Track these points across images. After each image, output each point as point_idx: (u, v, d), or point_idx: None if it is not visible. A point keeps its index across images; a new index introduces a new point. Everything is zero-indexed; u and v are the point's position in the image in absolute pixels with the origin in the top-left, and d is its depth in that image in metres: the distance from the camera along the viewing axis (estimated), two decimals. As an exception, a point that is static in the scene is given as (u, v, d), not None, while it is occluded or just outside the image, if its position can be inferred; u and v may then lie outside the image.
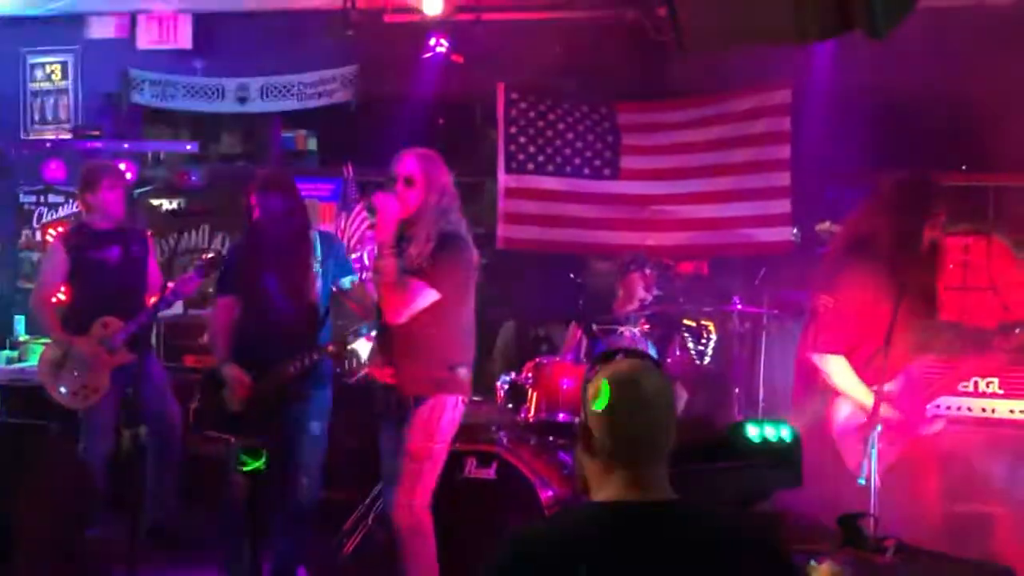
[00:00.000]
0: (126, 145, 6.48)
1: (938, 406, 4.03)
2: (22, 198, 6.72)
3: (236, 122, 6.91)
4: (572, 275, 5.79)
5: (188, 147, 6.66)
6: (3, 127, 6.77)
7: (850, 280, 3.93)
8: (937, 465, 3.93)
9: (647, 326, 5.07)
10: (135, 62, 6.50)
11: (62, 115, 6.74)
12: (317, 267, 4.47)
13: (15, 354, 6.03)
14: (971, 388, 4.20)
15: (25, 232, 6.72)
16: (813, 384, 4.05)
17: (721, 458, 3.95)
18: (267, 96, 6.41)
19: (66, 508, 4.75)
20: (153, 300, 4.97)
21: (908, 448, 3.90)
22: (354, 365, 5.72)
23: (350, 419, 5.05)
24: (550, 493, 4.46)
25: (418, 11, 5.80)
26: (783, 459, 3.81)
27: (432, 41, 5.93)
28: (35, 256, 6.47)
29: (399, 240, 3.83)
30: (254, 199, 4.48)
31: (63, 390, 4.89)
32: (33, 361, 5.36)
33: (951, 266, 4.34)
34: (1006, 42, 4.77)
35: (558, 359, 5.01)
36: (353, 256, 6.04)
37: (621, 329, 5.03)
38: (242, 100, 6.43)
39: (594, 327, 5.14)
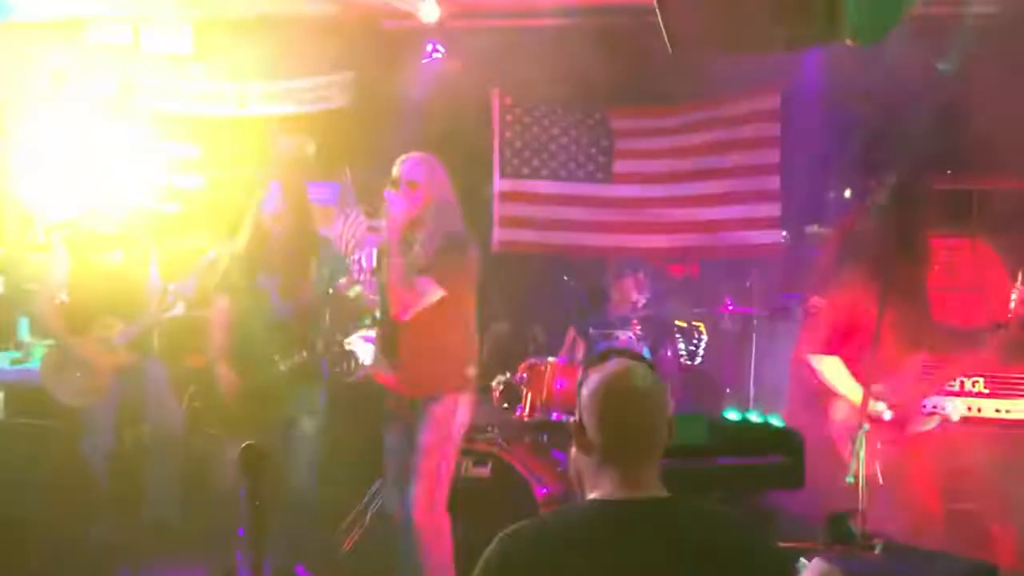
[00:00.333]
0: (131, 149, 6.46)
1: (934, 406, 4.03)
2: (28, 199, 6.70)
3: (236, 126, 6.89)
4: (566, 278, 5.79)
5: (190, 150, 6.65)
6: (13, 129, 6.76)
7: (841, 282, 3.95)
8: (927, 463, 3.93)
9: (640, 328, 5.07)
10: (138, 67, 6.49)
11: (67, 119, 6.71)
12: (313, 268, 4.48)
13: (19, 355, 6.01)
14: (957, 387, 4.21)
15: (29, 234, 6.70)
16: (809, 384, 4.05)
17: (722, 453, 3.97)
18: (266, 101, 6.41)
19: (70, 506, 4.74)
20: (154, 301, 4.97)
21: (905, 446, 3.91)
22: (353, 365, 5.71)
23: (348, 418, 5.04)
24: (544, 490, 4.46)
25: (415, 18, 5.80)
26: (785, 458, 3.83)
27: (428, 48, 5.94)
28: (39, 258, 6.44)
29: (403, 241, 3.84)
30: (255, 200, 4.50)
31: (65, 390, 4.88)
32: (36, 362, 5.34)
33: (936, 267, 4.34)
34: (990, 49, 4.77)
35: (552, 360, 5.01)
36: (352, 258, 6.04)
37: (615, 332, 5.03)
38: (241, 105, 6.42)
39: (590, 330, 5.14)
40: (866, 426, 3.61)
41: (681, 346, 5.28)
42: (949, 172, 5.63)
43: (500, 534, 1.98)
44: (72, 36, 6.53)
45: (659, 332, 5.20)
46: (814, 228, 5.75)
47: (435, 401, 3.88)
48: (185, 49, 6.43)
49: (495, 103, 5.95)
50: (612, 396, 2.03)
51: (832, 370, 3.94)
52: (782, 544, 2.90)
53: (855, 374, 3.90)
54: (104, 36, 6.52)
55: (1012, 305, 3.93)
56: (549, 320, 5.61)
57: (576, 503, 2.09)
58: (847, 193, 5.88)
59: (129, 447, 5.07)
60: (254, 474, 2.40)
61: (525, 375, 4.88)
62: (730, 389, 5.27)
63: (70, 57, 6.60)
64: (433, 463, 3.88)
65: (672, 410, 2.11)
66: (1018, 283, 3.93)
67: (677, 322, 5.29)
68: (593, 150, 6.01)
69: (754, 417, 4.34)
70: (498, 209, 6.02)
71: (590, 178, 5.99)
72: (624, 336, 4.95)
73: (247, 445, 2.44)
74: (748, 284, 5.48)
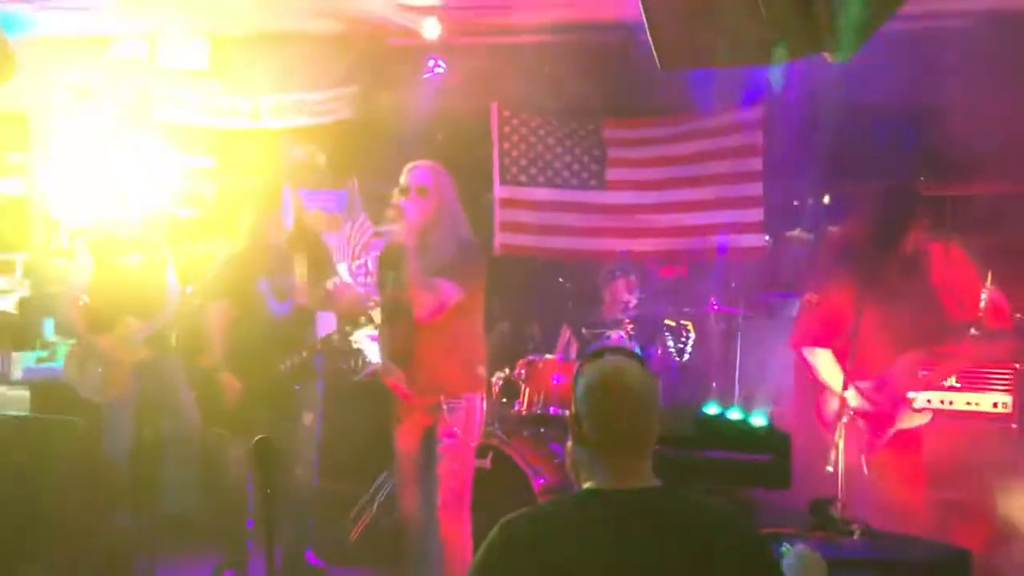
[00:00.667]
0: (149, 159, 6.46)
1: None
2: (53, 206, 6.70)
3: (249, 137, 6.90)
4: (561, 279, 5.80)
5: (205, 160, 6.65)
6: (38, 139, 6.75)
7: (834, 280, 3.96)
8: (914, 457, 3.94)
9: (631, 327, 5.08)
10: (156, 81, 6.49)
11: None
12: (306, 270, 4.48)
13: (44, 354, 6.01)
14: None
15: (53, 240, 6.70)
16: (806, 375, 4.07)
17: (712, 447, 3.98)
18: (278, 114, 6.41)
19: (91, 498, 4.74)
20: (171, 302, 4.98)
21: (894, 439, 3.91)
22: (361, 362, 5.72)
23: (355, 414, 5.05)
24: (542, 481, 4.47)
25: (418, 35, 5.81)
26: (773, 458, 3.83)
27: (430, 63, 5.94)
28: (62, 262, 6.44)
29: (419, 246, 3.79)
30: (251, 206, 4.52)
31: (87, 385, 4.88)
32: (60, 361, 5.34)
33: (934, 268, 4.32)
34: (964, 61, 4.78)
35: (549, 356, 5.02)
36: (357, 262, 6.04)
37: (607, 331, 5.04)
38: (255, 117, 6.42)
39: (583, 329, 5.15)
40: (845, 417, 3.62)
41: (671, 344, 5.28)
42: (923, 179, 5.64)
43: (500, 521, 1.98)
44: (93, 52, 6.54)
45: (650, 331, 5.20)
46: (795, 232, 5.76)
47: (453, 402, 3.83)
48: (201, 64, 6.43)
49: (494, 115, 5.96)
50: (606, 391, 2.03)
51: (822, 363, 3.95)
52: (766, 531, 2.91)
53: (845, 368, 3.91)
54: (123, 52, 6.53)
55: (982, 304, 3.94)
56: (546, 320, 5.62)
57: (572, 493, 2.10)
58: (826, 199, 5.90)
59: (148, 442, 5.07)
60: (265, 467, 2.40)
61: (523, 371, 4.88)
62: (716, 384, 5.27)
63: (91, 72, 6.61)
64: (457, 465, 3.82)
65: (662, 405, 2.11)
66: (987, 284, 3.94)
67: (667, 321, 5.29)
68: (587, 159, 6.02)
69: (734, 414, 4.36)
70: (498, 215, 6.03)
71: (584, 185, 6.00)
72: (616, 335, 4.95)
73: (260, 439, 2.44)
74: (733, 285, 5.48)
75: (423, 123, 6.01)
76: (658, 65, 2.66)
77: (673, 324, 5.28)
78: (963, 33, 5.15)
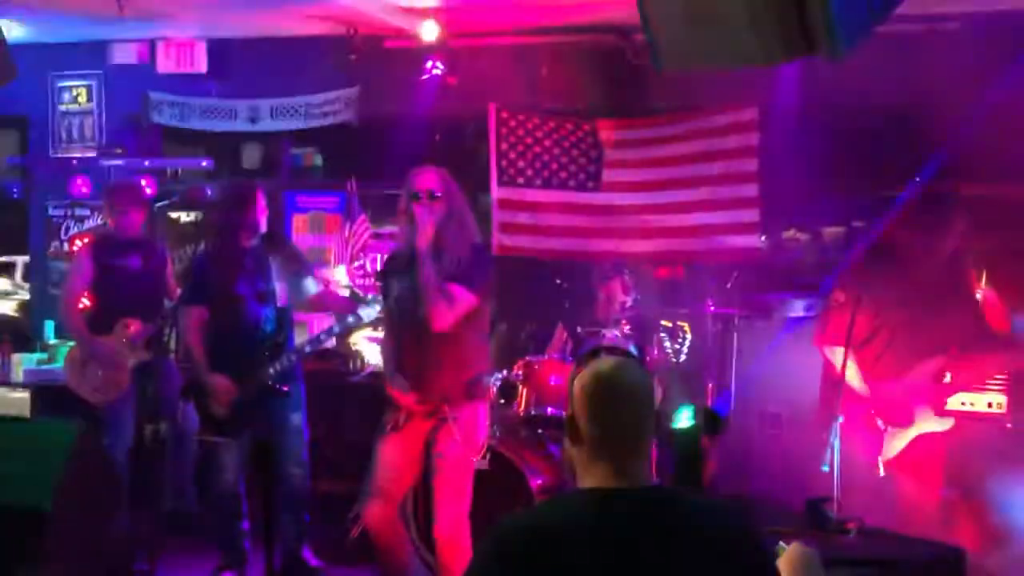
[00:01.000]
0: (147, 163, 6.45)
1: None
2: (51, 211, 6.69)
3: (248, 140, 6.89)
4: (558, 280, 5.78)
5: (204, 164, 6.64)
6: (34, 146, 6.75)
7: (865, 281, 3.95)
8: (932, 461, 3.93)
9: (628, 327, 5.06)
10: (155, 85, 6.48)
11: (88, 135, 6.71)
12: (283, 272, 4.47)
13: (45, 356, 6.00)
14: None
15: (54, 243, 6.69)
16: (831, 376, 4.05)
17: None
18: (276, 116, 6.40)
19: (93, 500, 4.72)
20: (169, 304, 4.97)
21: (915, 443, 3.90)
22: (359, 364, 5.71)
23: (352, 415, 5.04)
24: (540, 481, 4.46)
25: (416, 37, 5.80)
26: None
27: (429, 65, 5.93)
28: (63, 265, 6.43)
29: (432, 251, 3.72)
30: (222, 211, 4.51)
31: (87, 386, 4.87)
32: (61, 363, 5.33)
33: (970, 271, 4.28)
34: (956, 62, 4.77)
35: (546, 357, 5.00)
36: (356, 263, 6.03)
37: (603, 331, 5.02)
38: (253, 120, 6.41)
39: (579, 329, 5.14)
40: (840, 417, 3.61)
41: (667, 344, 5.27)
42: (917, 180, 5.63)
43: (497, 522, 1.97)
44: (94, 56, 6.54)
45: (646, 331, 5.19)
46: (791, 232, 5.75)
47: (458, 413, 3.72)
48: (200, 68, 6.42)
49: (491, 116, 5.95)
50: (602, 391, 2.02)
51: (845, 363, 3.94)
52: (763, 529, 2.89)
53: (870, 368, 3.91)
54: (124, 56, 6.52)
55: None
56: (543, 320, 5.61)
57: (569, 492, 2.08)
58: (821, 200, 5.88)
59: (148, 442, 5.06)
60: (263, 468, 2.39)
61: (521, 372, 4.87)
62: (712, 384, 5.26)
63: (92, 76, 6.60)
64: (461, 481, 3.72)
65: (659, 404, 2.10)
66: (982, 284, 3.94)
67: (663, 322, 5.28)
68: (583, 160, 6.00)
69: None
70: (496, 216, 6.01)
71: (581, 187, 5.98)
72: (611, 335, 4.94)
73: (259, 443, 2.43)
74: (728, 286, 5.47)
75: (421, 125, 6.01)
76: (655, 67, 2.65)
77: (669, 325, 5.27)
78: (957, 36, 5.15)
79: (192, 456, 5.00)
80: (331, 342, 4.94)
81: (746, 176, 5.69)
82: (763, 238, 5.77)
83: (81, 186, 6.46)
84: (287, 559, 4.49)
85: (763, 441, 5.11)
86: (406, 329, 3.81)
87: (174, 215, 6.56)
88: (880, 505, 3.57)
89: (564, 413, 2.06)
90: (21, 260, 7.19)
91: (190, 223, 6.58)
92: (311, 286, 4.63)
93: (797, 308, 5.17)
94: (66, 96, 6.69)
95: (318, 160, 6.79)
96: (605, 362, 2.06)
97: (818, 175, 5.33)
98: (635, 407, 2.03)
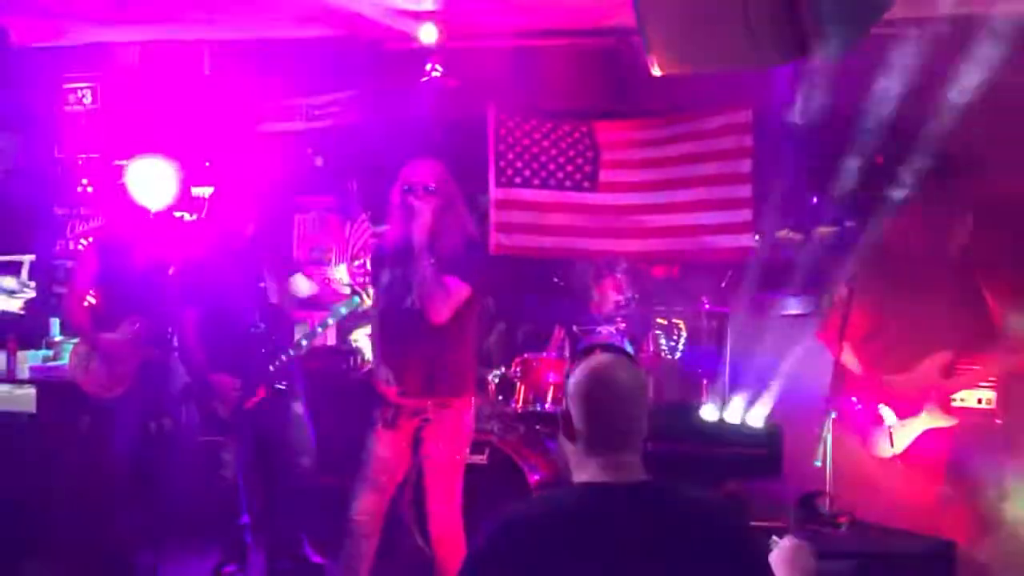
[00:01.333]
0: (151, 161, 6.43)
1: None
2: (57, 210, 6.69)
3: (250, 141, 6.89)
4: (555, 279, 5.78)
5: (206, 164, 6.64)
6: (40, 146, 6.75)
7: (872, 277, 3.95)
8: (934, 455, 3.93)
9: (623, 325, 5.07)
10: (158, 87, 6.47)
11: (92, 135, 6.70)
12: (273, 271, 4.47)
13: (50, 353, 5.99)
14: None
15: (59, 241, 6.69)
16: (841, 372, 4.05)
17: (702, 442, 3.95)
18: (278, 118, 6.39)
19: (97, 493, 4.72)
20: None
21: (922, 438, 3.90)
22: (359, 360, 5.71)
23: (353, 411, 5.03)
24: (536, 476, 4.46)
25: (415, 40, 5.80)
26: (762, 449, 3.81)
27: (428, 67, 5.94)
28: (68, 263, 6.43)
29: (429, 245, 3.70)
30: (209, 212, 4.52)
31: (91, 381, 4.87)
32: (66, 359, 5.33)
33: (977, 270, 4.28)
34: (948, 63, 4.77)
35: (543, 355, 5.01)
36: (357, 263, 6.03)
37: (598, 328, 5.03)
38: (255, 122, 6.41)
39: (575, 327, 5.14)
40: (833, 413, 3.61)
41: (662, 342, 5.27)
42: (913, 179, 5.63)
43: (494, 518, 1.97)
44: (97, 59, 6.53)
45: (641, 328, 5.20)
46: (784, 232, 5.75)
47: (446, 408, 3.70)
48: (202, 70, 6.42)
49: (490, 117, 5.95)
50: (595, 387, 2.02)
51: (849, 356, 3.94)
52: (756, 523, 2.90)
53: (868, 366, 3.91)
54: (126, 59, 6.52)
55: None
56: (540, 318, 5.61)
57: (564, 487, 2.09)
58: (814, 200, 5.88)
59: (154, 438, 5.06)
60: (264, 464, 2.39)
61: (519, 370, 4.87)
62: (707, 381, 5.26)
63: (95, 79, 6.60)
64: (452, 476, 3.70)
65: (652, 401, 2.11)
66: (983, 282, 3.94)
67: (659, 319, 5.29)
68: (580, 161, 6.00)
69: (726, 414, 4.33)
70: (494, 216, 6.02)
71: (577, 187, 5.98)
72: (606, 332, 4.95)
73: (261, 439, 2.43)
74: (723, 284, 5.47)
75: (420, 127, 6.00)
76: (651, 69, 2.65)
77: (665, 323, 5.27)
78: (949, 38, 5.14)
79: (194, 452, 5.00)
80: (326, 334, 4.94)
81: (740, 177, 5.70)
82: (756, 237, 5.77)
83: (86, 186, 6.46)
84: (288, 555, 4.49)
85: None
86: (392, 320, 3.77)
87: (177, 213, 6.55)
88: (881, 499, 3.57)
89: (560, 409, 2.07)
90: (27, 259, 7.19)
91: (191, 223, 6.58)
92: (303, 283, 4.63)
93: (792, 306, 5.17)
94: (71, 97, 6.68)
95: (319, 161, 6.79)
96: (598, 359, 2.07)
97: (809, 175, 5.33)
98: (627, 404, 2.03)
